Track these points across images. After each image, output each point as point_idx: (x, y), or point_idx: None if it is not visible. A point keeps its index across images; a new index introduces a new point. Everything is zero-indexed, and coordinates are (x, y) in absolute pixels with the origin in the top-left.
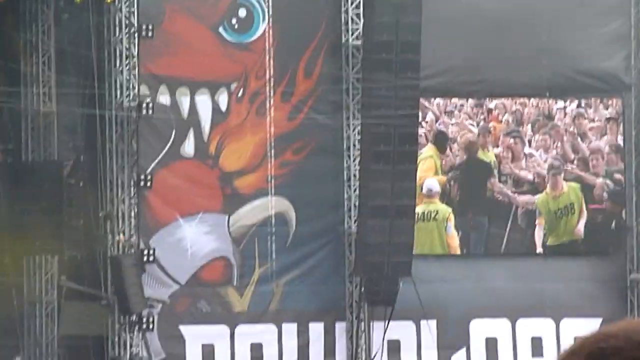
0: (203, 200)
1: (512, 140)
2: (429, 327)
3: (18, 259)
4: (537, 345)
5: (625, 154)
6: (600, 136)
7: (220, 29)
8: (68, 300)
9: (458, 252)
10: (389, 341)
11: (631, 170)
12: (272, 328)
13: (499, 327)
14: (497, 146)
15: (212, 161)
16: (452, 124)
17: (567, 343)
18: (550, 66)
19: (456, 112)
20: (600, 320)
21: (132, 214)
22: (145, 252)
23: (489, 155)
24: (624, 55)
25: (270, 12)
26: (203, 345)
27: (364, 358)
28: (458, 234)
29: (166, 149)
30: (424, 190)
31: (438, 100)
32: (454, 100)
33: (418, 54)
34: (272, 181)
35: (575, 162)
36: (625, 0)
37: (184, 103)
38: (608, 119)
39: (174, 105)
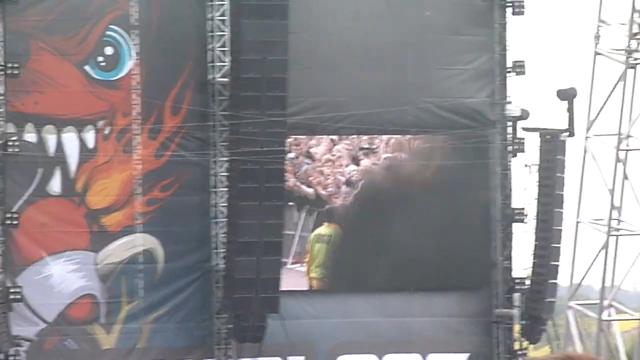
0: (70, 237)
1: None
2: None
3: None
4: None
5: (490, 190)
6: None
7: (87, 67)
8: None
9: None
10: None
11: (495, 206)
12: None
13: None
14: None
15: (79, 198)
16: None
17: None
18: (415, 102)
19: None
20: (466, 355)
21: (0, 250)
22: (12, 290)
23: None
24: (488, 92)
25: (137, 50)
26: None
27: None
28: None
29: (33, 186)
30: None
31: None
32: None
33: (285, 90)
34: (140, 218)
35: None
36: (489, 37)
37: (51, 140)
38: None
39: (40, 142)
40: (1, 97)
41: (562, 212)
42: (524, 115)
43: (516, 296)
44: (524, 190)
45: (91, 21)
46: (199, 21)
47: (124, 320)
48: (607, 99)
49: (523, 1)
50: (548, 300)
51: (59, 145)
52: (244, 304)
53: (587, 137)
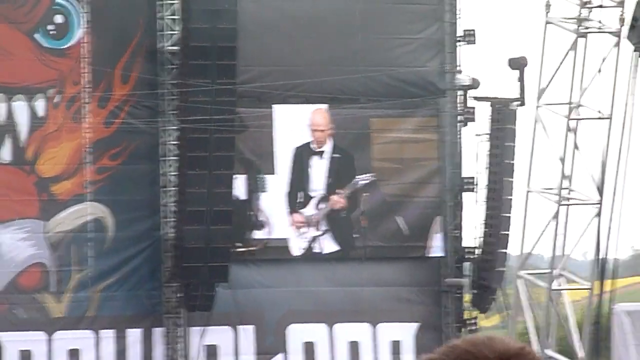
0: (20, 206)
1: None
2: (246, 333)
3: None
4: (354, 349)
5: (441, 160)
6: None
7: (37, 35)
8: None
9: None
10: (207, 346)
11: (445, 175)
12: (89, 334)
13: (316, 332)
14: None
15: (29, 167)
16: None
17: (384, 347)
18: (365, 71)
19: None
20: (416, 324)
21: None
22: None
23: None
24: (438, 61)
25: (87, 19)
26: (20, 351)
27: None
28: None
29: None
30: None
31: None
32: None
33: (234, 59)
34: (89, 187)
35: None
36: (439, 6)
37: (1, 108)
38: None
39: None
40: None
41: (512, 182)
42: (475, 84)
43: (466, 265)
44: (474, 159)
45: None
46: None
47: (74, 289)
48: (557, 68)
49: None
50: (498, 269)
51: (9, 114)
52: (194, 272)
53: (537, 107)
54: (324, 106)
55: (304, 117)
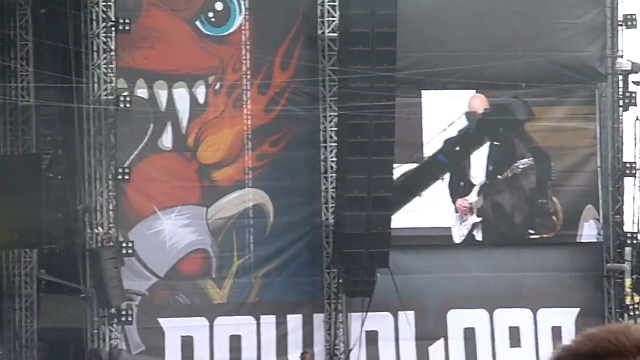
0: (181, 192)
1: None
2: (407, 318)
3: None
4: (514, 334)
5: (602, 143)
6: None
7: (197, 22)
8: (47, 293)
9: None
10: (366, 332)
11: (607, 160)
12: (250, 320)
13: (476, 317)
14: None
15: (190, 154)
16: None
17: (544, 333)
18: (524, 56)
19: None
20: (577, 310)
21: (111, 206)
22: (124, 244)
23: None
24: (598, 46)
25: (247, 5)
26: (182, 337)
27: (342, 349)
28: None
29: (144, 142)
30: None
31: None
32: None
33: (394, 45)
34: (250, 173)
35: None
36: None
37: (162, 96)
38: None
39: (151, 98)
40: (112, 53)
41: None
42: (635, 68)
43: (627, 250)
44: (634, 144)
45: None
46: None
47: (235, 275)
48: None
49: None
50: None
51: (170, 100)
52: (354, 258)
53: None
54: (482, 92)
55: (461, 103)
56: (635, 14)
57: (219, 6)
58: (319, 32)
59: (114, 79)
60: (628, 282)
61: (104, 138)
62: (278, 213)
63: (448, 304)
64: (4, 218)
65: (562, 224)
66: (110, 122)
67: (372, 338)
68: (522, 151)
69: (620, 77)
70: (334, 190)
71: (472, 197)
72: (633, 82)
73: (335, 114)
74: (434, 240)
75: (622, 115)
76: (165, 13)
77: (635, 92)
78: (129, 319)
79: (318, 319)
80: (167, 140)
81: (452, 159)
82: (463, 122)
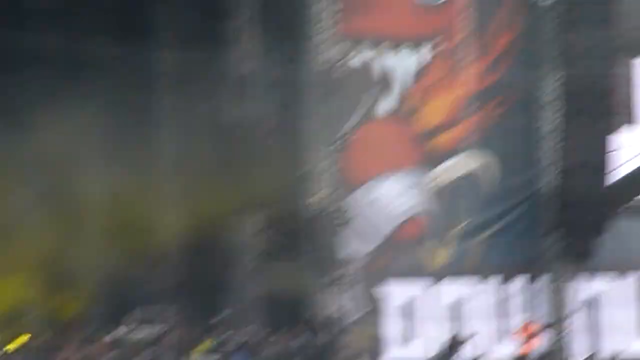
0: (401, 157)
1: None
2: (631, 283)
3: (220, 219)
4: None
5: None
6: None
7: None
8: (270, 258)
9: None
10: (589, 297)
11: None
12: (470, 284)
13: None
14: None
15: (409, 119)
16: None
17: None
18: None
19: None
20: None
21: (330, 172)
22: (341, 211)
23: None
24: None
25: None
26: (402, 303)
27: (564, 314)
28: None
29: (363, 108)
30: None
31: None
32: None
33: (618, 6)
34: (471, 137)
35: None
36: None
37: (382, 61)
38: None
39: (372, 63)
40: (334, 19)
41: None
42: None
43: None
44: None
45: None
46: None
47: (456, 238)
48: None
49: None
50: None
51: (389, 67)
52: (576, 223)
53: None
54: None
55: None
56: None
57: None
58: None
59: (335, 44)
60: None
61: (325, 104)
62: (498, 177)
63: None
64: (233, 185)
65: None
66: (330, 88)
67: (594, 303)
68: None
69: None
70: (555, 154)
71: None
72: None
73: (558, 77)
74: None
75: None
76: None
77: None
78: (349, 285)
79: (540, 283)
80: (387, 105)
81: None
82: None
